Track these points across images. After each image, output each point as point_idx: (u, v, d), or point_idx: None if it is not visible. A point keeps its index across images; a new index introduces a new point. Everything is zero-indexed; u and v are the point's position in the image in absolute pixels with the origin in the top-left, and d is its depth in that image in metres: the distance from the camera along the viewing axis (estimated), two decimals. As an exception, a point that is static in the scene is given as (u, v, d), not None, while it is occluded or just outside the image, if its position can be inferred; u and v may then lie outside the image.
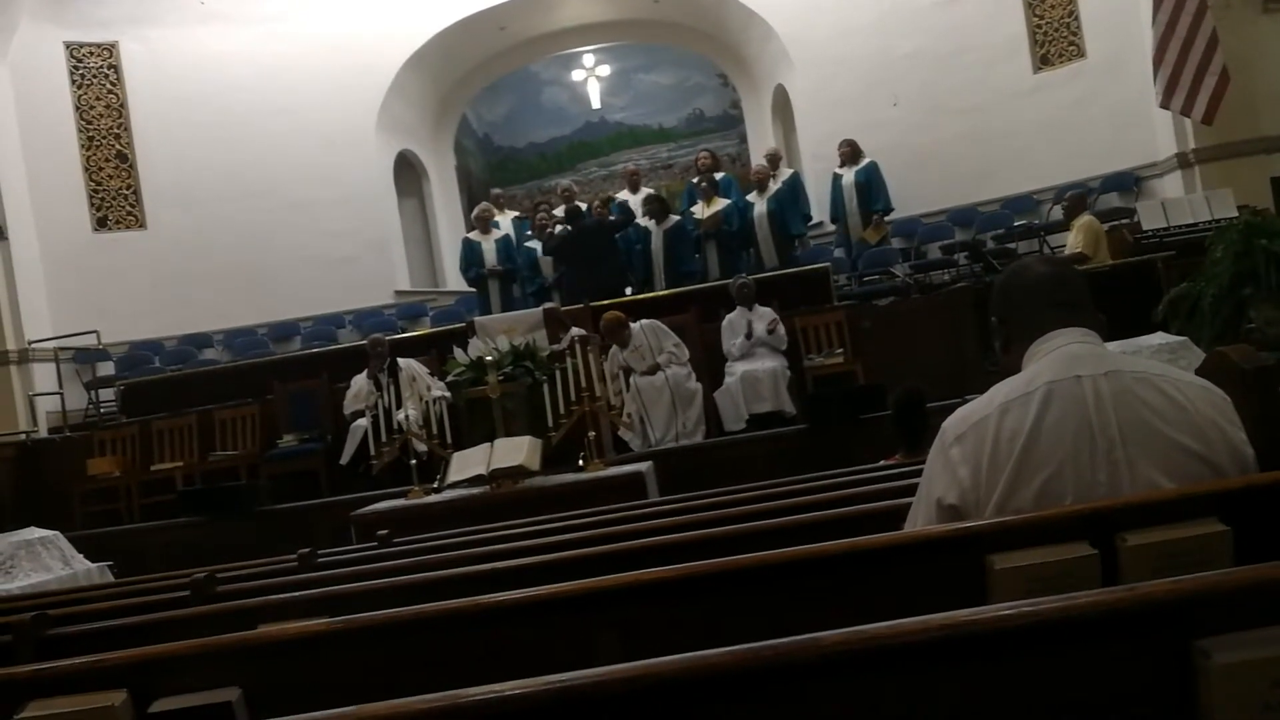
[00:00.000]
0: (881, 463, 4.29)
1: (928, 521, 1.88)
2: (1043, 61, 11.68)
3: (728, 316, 8.40)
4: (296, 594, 2.58)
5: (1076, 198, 9.45)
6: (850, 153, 11.18)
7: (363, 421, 7.39)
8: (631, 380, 7.85)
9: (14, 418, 10.74)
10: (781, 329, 8.23)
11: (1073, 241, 8.98)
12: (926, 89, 11.97)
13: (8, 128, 11.65)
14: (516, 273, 10.80)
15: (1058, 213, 10.42)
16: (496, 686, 1.16)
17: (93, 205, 12.43)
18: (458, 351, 6.86)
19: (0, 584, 5.27)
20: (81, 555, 5.98)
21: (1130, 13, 10.58)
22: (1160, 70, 9.60)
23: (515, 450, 5.82)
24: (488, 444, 6.00)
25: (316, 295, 12.52)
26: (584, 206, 10.94)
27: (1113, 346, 1.96)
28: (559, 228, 10.33)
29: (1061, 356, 1.83)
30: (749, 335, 8.18)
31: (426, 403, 6.77)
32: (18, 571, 5.47)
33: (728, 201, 10.56)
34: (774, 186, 10.73)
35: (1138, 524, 1.61)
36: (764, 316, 8.33)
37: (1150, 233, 8.85)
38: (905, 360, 7.72)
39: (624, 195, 11.55)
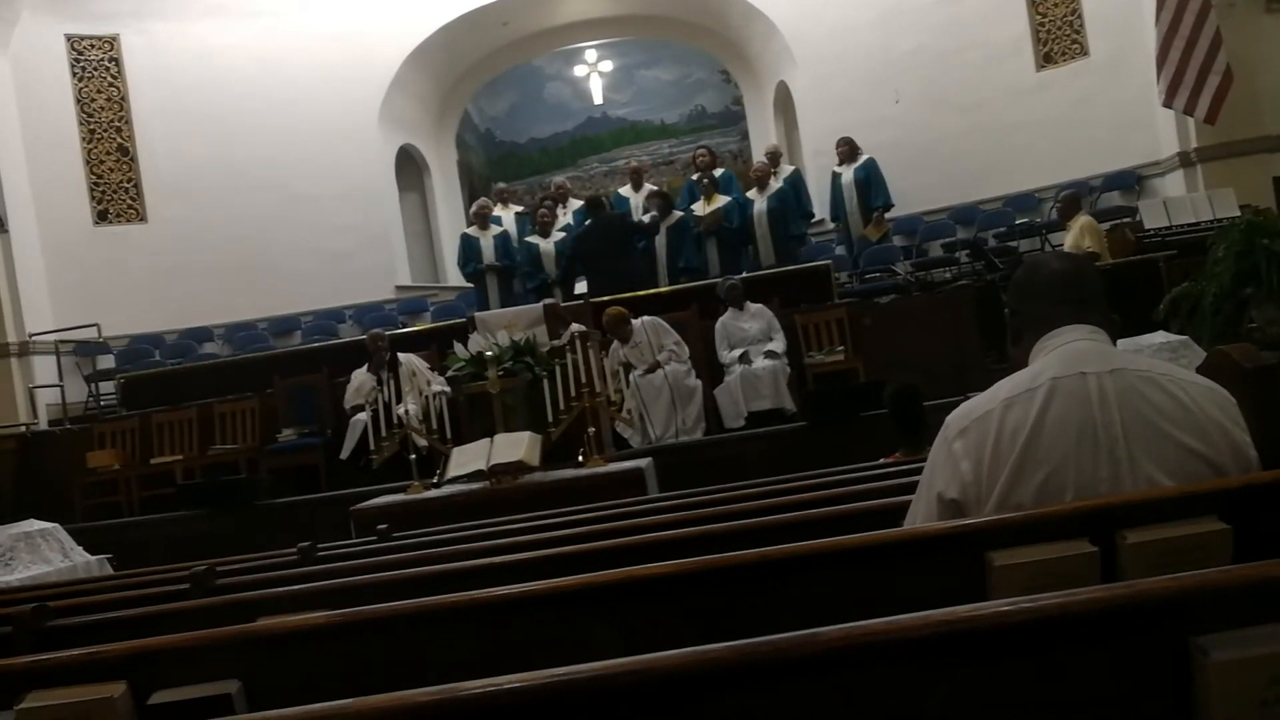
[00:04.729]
0: (881, 460, 4.29)
1: (928, 517, 1.88)
2: (1045, 59, 11.67)
3: (720, 319, 8.36)
4: (296, 587, 2.58)
5: (1070, 198, 9.42)
6: (848, 151, 11.18)
7: (363, 416, 7.38)
8: (631, 377, 7.84)
9: (14, 410, 10.74)
10: (780, 340, 8.20)
11: (1073, 241, 8.96)
12: (929, 86, 11.96)
13: (9, 121, 11.64)
14: (515, 269, 10.80)
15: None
16: (495, 680, 1.16)
17: (93, 198, 12.43)
18: (458, 346, 6.86)
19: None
20: (81, 548, 5.97)
21: (1133, 11, 10.57)
22: (1163, 69, 9.60)
23: (515, 446, 5.81)
24: (487, 439, 5.99)
25: (317, 289, 12.53)
26: (607, 199, 10.94)
27: (1114, 345, 1.96)
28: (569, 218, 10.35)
29: (1068, 353, 1.83)
30: (744, 359, 8.11)
31: (426, 398, 6.77)
32: (17, 564, 5.47)
33: (727, 199, 10.56)
34: (774, 185, 10.72)
35: (1138, 522, 1.61)
36: (758, 315, 8.30)
37: (1152, 232, 8.85)
38: (906, 358, 7.71)
39: (626, 191, 11.54)
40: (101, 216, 12.48)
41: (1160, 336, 5.12)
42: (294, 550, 3.53)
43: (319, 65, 12.78)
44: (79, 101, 12.44)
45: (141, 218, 12.59)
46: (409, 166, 14.39)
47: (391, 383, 7.22)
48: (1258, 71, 9.67)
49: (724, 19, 13.77)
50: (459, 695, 1.15)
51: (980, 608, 1.24)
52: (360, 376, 8.47)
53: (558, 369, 6.11)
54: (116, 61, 12.58)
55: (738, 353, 8.14)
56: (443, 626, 1.75)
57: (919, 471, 2.00)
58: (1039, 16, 11.69)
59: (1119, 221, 9.87)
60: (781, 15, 12.79)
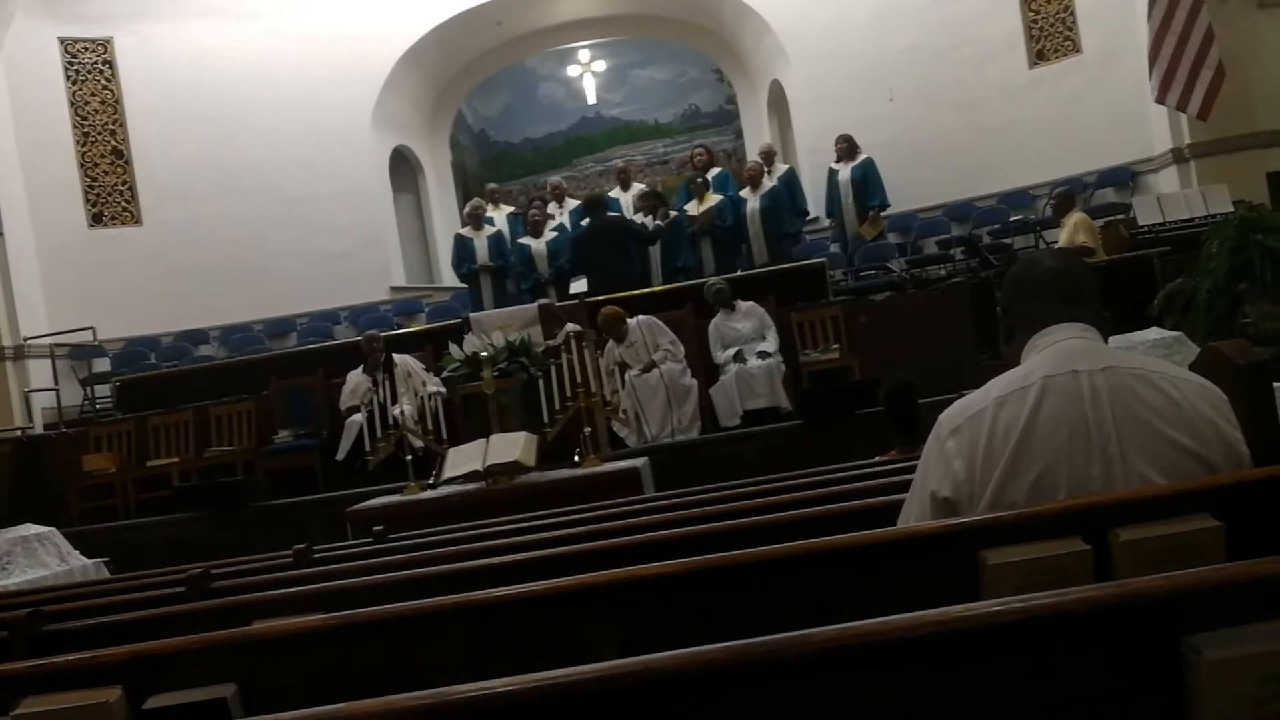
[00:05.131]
0: (877, 458, 4.29)
1: (921, 516, 1.88)
2: (1039, 57, 11.68)
3: (712, 321, 8.34)
4: (292, 590, 2.58)
5: (1064, 194, 9.41)
6: (847, 148, 11.17)
7: (358, 417, 7.39)
8: (627, 376, 7.84)
9: (10, 414, 10.72)
10: (773, 338, 8.19)
11: (1067, 238, 8.95)
12: (923, 84, 11.97)
13: (2, 124, 11.63)
14: (509, 269, 10.79)
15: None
16: (487, 683, 1.15)
17: (88, 201, 12.41)
18: (453, 347, 6.86)
19: (-4, 580, 5.26)
20: (77, 551, 5.98)
21: (1126, 8, 10.58)
22: (1156, 65, 9.62)
23: (510, 446, 5.81)
24: (483, 440, 6.00)
25: (312, 291, 12.52)
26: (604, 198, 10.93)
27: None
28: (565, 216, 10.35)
29: (1060, 351, 1.83)
30: (738, 358, 8.11)
31: (422, 398, 6.76)
32: (13, 568, 5.46)
33: (720, 197, 10.56)
34: (768, 183, 10.72)
35: (1131, 519, 1.61)
36: (750, 314, 8.28)
37: (1146, 228, 8.86)
38: (901, 355, 7.69)
39: (615, 193, 11.53)
40: (96, 219, 12.45)
41: (1154, 333, 5.13)
42: (290, 552, 3.53)
43: (313, 67, 12.76)
44: (73, 104, 12.41)
45: (136, 220, 12.56)
46: (403, 168, 14.37)
47: (387, 384, 7.21)
48: (1250, 67, 9.68)
49: (717, 18, 13.77)
50: (451, 699, 1.15)
51: (973, 607, 1.24)
52: (355, 378, 8.46)
53: (553, 369, 6.11)
54: (110, 64, 12.56)
55: (732, 352, 8.13)
56: (439, 628, 1.75)
57: (913, 470, 1.99)
58: (1032, 14, 11.70)
59: (1113, 218, 9.88)
60: (775, 14, 12.79)
